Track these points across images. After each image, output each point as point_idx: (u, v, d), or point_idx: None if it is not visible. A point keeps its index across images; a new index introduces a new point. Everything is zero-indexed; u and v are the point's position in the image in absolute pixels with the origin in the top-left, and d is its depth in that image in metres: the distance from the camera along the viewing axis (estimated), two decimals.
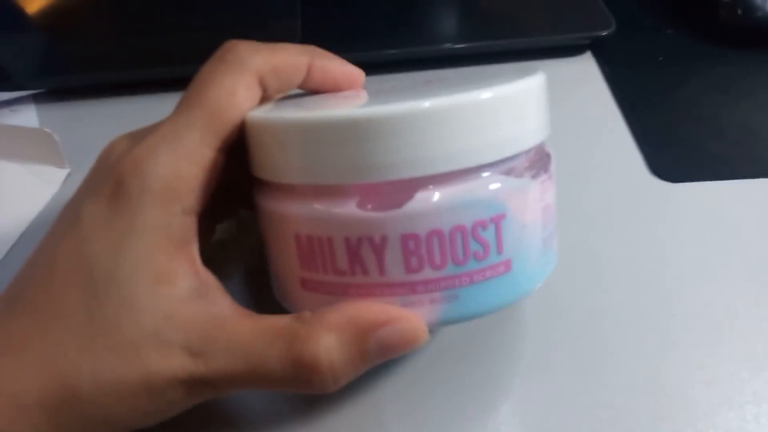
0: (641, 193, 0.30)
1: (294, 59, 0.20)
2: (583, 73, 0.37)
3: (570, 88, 0.36)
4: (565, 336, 0.24)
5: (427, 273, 0.18)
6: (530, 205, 0.19)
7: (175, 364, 0.17)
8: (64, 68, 0.37)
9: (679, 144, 0.32)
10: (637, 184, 0.30)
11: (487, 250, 0.18)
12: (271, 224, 0.20)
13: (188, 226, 0.18)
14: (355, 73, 0.22)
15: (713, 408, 0.22)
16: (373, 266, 0.18)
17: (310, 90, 0.22)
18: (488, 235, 0.18)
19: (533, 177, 0.19)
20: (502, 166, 0.18)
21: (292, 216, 0.19)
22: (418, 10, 0.39)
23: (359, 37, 0.37)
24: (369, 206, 0.17)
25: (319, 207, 0.18)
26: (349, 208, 0.18)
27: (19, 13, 0.40)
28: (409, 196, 0.17)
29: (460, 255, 0.18)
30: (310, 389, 0.17)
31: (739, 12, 0.37)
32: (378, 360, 0.18)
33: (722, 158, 0.31)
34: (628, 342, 0.24)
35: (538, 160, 0.20)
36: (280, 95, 0.22)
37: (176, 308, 0.17)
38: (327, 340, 0.17)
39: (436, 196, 0.17)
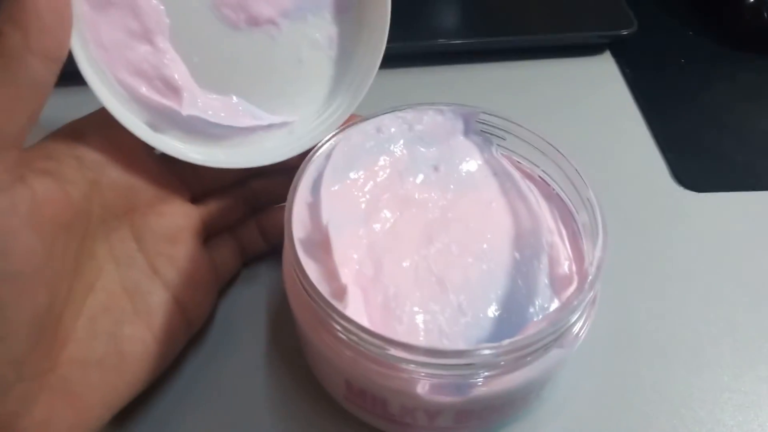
0: (667, 202, 0.29)
1: None
2: (603, 73, 0.36)
3: (590, 89, 0.35)
4: (584, 346, 0.23)
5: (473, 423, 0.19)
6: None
7: None
8: None
9: (703, 152, 0.31)
10: (662, 192, 0.29)
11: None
12: (317, 358, 0.20)
13: None
14: None
15: (741, 429, 0.21)
16: (423, 421, 0.19)
17: None
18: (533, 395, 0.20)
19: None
20: None
21: (345, 366, 0.18)
22: (434, 5, 0.38)
23: None
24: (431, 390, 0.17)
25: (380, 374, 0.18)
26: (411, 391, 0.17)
27: None
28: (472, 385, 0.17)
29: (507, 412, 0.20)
30: None
31: (765, 14, 0.36)
32: None
33: (748, 168, 0.30)
34: (653, 352, 0.23)
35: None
36: None
37: None
38: None
39: (496, 386, 0.17)
